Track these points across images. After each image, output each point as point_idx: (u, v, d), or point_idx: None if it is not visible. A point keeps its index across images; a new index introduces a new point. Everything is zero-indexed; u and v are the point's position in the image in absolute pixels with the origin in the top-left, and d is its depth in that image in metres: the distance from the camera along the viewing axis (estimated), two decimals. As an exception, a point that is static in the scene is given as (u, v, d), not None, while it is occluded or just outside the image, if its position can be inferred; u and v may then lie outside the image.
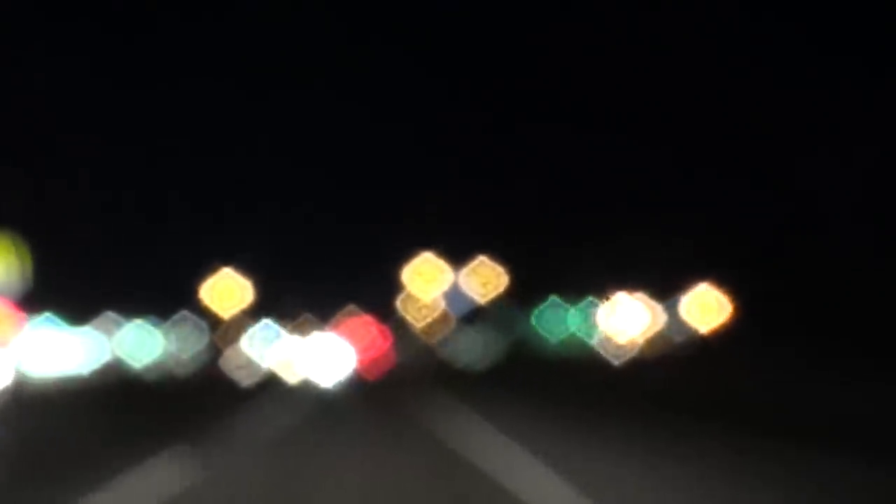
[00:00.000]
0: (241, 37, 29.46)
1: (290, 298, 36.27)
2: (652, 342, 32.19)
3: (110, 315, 36.07)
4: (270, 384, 33.87)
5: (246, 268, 35.53)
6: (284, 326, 37.74)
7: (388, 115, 31.72)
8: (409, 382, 29.84)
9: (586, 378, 26.40)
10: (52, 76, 27.02)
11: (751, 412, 14.65)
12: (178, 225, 33.34)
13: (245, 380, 34.50)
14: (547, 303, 35.14)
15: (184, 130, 31.36)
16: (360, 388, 31.31)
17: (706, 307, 29.45)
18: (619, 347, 32.69)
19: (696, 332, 30.01)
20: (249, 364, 36.41)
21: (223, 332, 36.75)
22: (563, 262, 31.64)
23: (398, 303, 36.31)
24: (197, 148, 32.13)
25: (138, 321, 36.43)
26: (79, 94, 27.86)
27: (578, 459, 11.42)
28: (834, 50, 22.61)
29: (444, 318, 36.30)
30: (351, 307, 37.25)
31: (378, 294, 36.42)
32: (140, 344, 36.66)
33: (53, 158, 28.69)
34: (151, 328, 36.62)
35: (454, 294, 35.59)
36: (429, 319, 36.20)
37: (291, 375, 35.71)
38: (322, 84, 31.05)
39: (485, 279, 35.16)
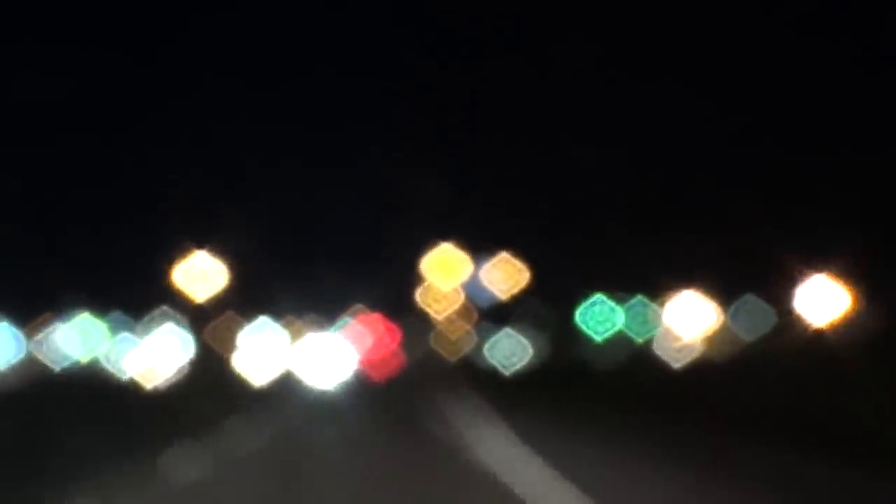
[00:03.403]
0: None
1: (290, 294, 34.98)
2: (716, 342, 30.86)
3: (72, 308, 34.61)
4: (267, 386, 33.75)
5: (243, 261, 34.21)
6: (283, 325, 36.29)
7: (405, 90, 30.65)
8: (421, 384, 29.74)
9: (636, 383, 25.45)
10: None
11: (848, 429, 12.75)
12: (158, 210, 31.63)
13: (238, 382, 33.60)
14: (591, 300, 34.20)
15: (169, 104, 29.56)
16: (365, 391, 31.60)
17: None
18: (681, 349, 31.56)
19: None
20: (245, 365, 35.02)
21: (213, 330, 35.16)
22: (607, 257, 31.06)
23: (417, 295, 35.80)
24: (183, 122, 30.15)
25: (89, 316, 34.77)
26: (45, 78, 26.70)
27: (617, 483, 10.30)
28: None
29: (465, 310, 35.93)
30: (357, 305, 36.31)
31: (389, 288, 35.65)
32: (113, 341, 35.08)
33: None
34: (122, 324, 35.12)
35: (475, 287, 35.43)
36: (449, 312, 35.89)
37: (290, 377, 34.80)
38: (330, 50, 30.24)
39: (506, 275, 34.90)
